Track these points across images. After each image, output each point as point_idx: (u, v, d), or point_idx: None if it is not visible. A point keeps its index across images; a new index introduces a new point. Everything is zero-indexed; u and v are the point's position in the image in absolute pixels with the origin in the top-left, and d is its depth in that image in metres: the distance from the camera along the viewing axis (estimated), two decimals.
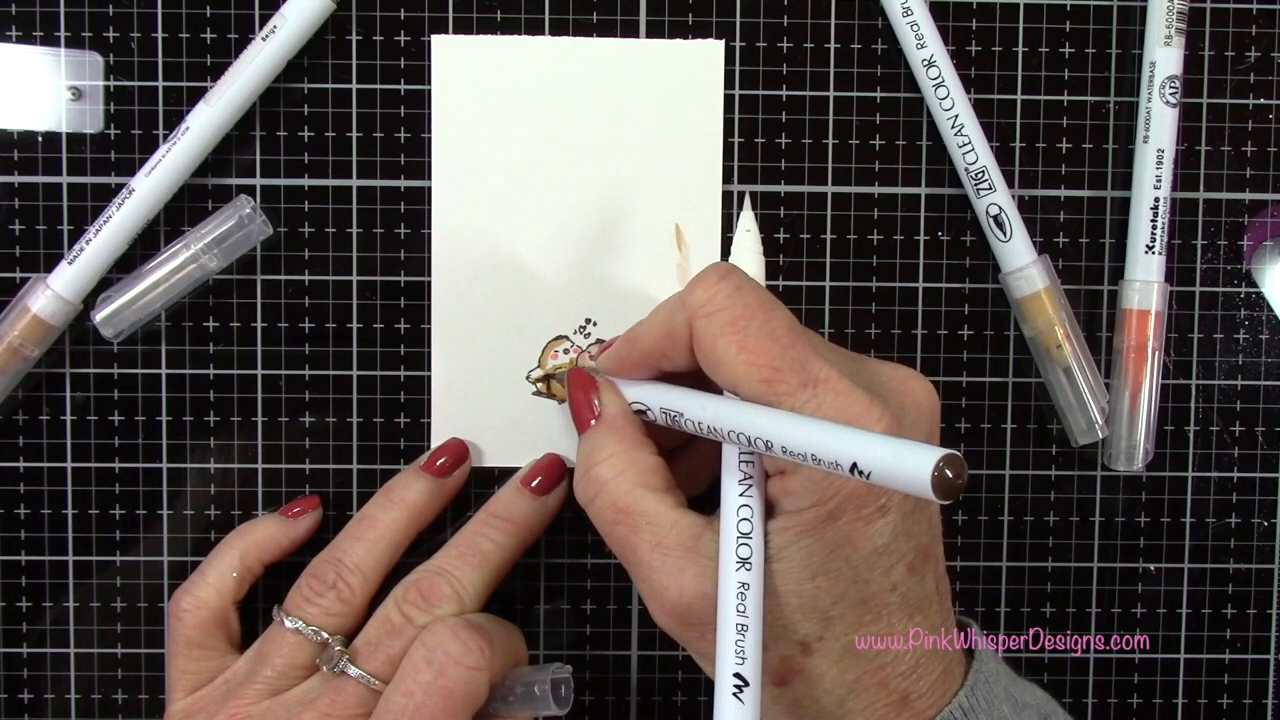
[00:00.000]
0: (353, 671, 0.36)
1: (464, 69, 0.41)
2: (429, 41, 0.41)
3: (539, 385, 0.41)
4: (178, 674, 0.38)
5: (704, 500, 0.34)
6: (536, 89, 0.41)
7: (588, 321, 0.41)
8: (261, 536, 0.40)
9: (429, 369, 0.41)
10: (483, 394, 0.41)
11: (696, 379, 0.34)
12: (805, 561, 0.30)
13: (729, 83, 0.41)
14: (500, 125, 0.41)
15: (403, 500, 0.39)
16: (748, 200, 0.39)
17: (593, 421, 0.35)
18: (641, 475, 0.33)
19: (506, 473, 0.41)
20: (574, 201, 0.41)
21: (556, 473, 0.40)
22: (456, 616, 0.37)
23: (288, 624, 0.37)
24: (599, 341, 0.41)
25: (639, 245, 0.41)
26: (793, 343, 0.31)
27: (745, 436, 0.30)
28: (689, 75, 0.41)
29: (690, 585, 0.31)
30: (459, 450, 0.40)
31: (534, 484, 0.40)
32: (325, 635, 0.37)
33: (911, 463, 0.25)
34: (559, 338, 0.41)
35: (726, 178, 0.41)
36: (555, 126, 0.41)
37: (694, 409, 0.32)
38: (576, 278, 0.41)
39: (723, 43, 0.41)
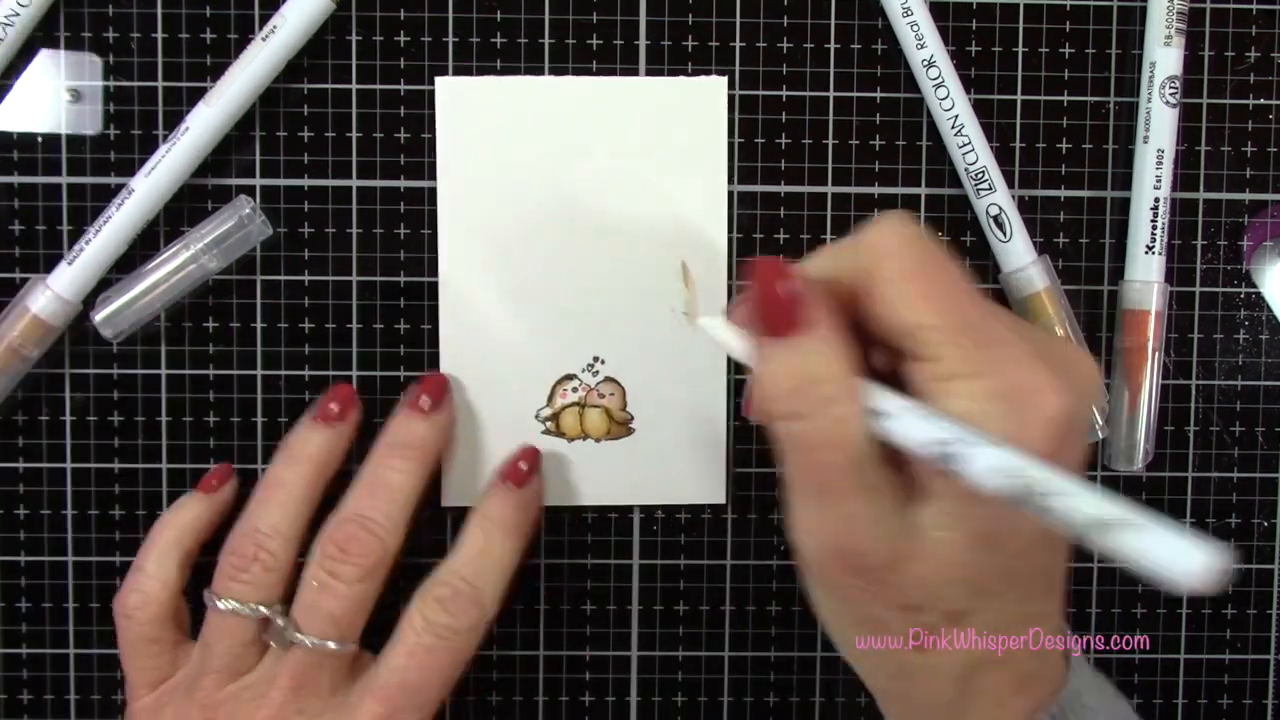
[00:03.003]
0: (299, 639, 0.36)
1: (467, 111, 0.40)
2: (428, 42, 0.41)
3: (548, 424, 0.41)
4: (137, 671, 0.38)
5: None
6: (540, 129, 0.40)
7: (595, 359, 0.41)
8: (189, 518, 0.39)
9: (429, 370, 0.41)
10: (490, 433, 0.41)
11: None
12: (970, 532, 0.30)
13: (729, 83, 0.41)
14: (504, 165, 0.40)
15: (304, 455, 0.39)
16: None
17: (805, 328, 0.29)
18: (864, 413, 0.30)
19: None
20: (579, 240, 0.41)
21: (441, 388, 0.40)
22: (442, 586, 0.37)
23: (221, 606, 0.37)
24: (608, 380, 0.41)
25: (645, 283, 0.41)
26: (973, 299, 0.30)
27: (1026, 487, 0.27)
28: (692, 112, 0.41)
29: (885, 535, 0.29)
30: (347, 393, 0.40)
31: (422, 404, 0.39)
32: (263, 609, 0.37)
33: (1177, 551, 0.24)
34: (568, 376, 0.41)
35: (726, 178, 0.41)
36: (560, 166, 0.40)
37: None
38: (583, 316, 0.41)
39: (725, 80, 0.41)
